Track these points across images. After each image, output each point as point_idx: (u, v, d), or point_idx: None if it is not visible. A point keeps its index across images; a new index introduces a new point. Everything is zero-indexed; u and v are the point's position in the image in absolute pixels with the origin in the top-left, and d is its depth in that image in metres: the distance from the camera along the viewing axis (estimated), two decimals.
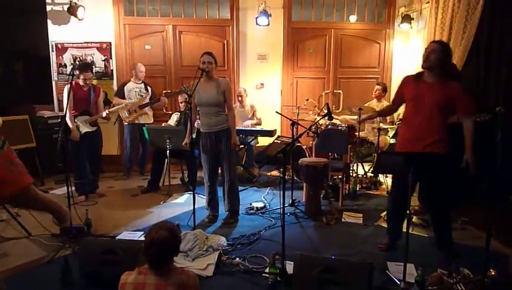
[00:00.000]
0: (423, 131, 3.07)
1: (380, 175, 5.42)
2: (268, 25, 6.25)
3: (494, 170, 3.14)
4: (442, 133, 3.07)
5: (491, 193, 3.38)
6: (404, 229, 2.78)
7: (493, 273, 2.67)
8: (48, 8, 5.97)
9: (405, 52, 6.74)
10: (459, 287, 2.64)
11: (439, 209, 3.27)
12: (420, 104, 3.08)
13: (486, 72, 4.54)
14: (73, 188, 4.46)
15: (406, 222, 2.71)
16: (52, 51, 6.08)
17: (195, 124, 4.64)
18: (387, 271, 2.94)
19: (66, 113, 4.15)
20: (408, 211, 2.72)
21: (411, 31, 6.54)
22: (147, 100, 5.58)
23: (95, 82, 5.96)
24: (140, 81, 5.70)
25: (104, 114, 4.76)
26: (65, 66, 6.10)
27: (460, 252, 3.22)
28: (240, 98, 5.88)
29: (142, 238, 3.31)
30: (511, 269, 3.00)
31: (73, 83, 3.88)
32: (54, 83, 6.12)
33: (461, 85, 3.09)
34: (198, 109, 4.04)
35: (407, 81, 3.25)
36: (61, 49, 6.08)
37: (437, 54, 3.01)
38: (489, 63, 4.52)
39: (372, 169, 5.42)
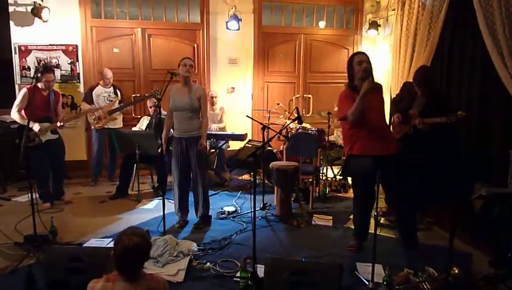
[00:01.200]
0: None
1: (349, 178, 5.51)
2: (238, 29, 6.28)
3: (457, 170, 3.28)
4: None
5: (454, 193, 3.51)
6: (372, 231, 2.85)
7: (457, 271, 2.78)
8: (11, 8, 5.75)
9: (372, 57, 6.84)
10: (425, 286, 2.73)
11: (406, 208, 3.39)
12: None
13: (448, 77, 4.73)
14: (37, 195, 4.31)
15: (373, 223, 2.78)
16: (15, 53, 5.86)
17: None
18: (356, 272, 3.00)
19: (13, 112, 4.24)
20: (376, 213, 2.80)
21: (378, 37, 6.72)
22: (116, 105, 5.47)
23: (61, 86, 5.82)
24: (110, 85, 5.58)
25: (58, 124, 4.54)
26: (29, 68, 5.90)
27: (425, 251, 3.33)
28: (214, 100, 5.87)
29: (111, 245, 3.24)
30: (474, 267, 3.13)
31: (32, 86, 3.73)
32: (17, 86, 5.90)
33: None
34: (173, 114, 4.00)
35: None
36: (25, 52, 5.87)
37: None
38: (451, 68, 4.71)
39: (340, 172, 5.51)
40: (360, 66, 3.22)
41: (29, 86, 3.74)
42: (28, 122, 3.69)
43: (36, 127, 4.33)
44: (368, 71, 3.21)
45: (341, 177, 5.50)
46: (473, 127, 4.35)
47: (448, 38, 4.74)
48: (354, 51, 6.94)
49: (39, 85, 4.36)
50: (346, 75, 3.37)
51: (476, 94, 4.34)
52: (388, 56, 6.14)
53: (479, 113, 4.29)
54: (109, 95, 5.53)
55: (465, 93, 4.48)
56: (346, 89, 3.37)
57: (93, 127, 5.51)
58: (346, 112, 3.22)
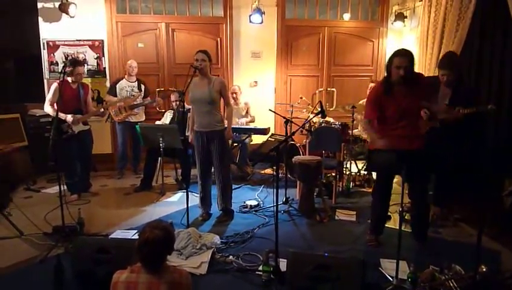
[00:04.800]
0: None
1: (373, 173, 5.43)
2: (261, 22, 6.24)
3: (486, 165, 3.18)
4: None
5: (482, 190, 3.42)
6: (397, 226, 2.80)
7: (484, 269, 2.70)
8: (39, 5, 5.90)
9: None
10: (451, 284, 2.66)
11: (424, 203, 3.34)
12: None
13: (478, 70, 4.58)
14: (65, 187, 4.43)
15: (398, 219, 2.73)
16: (44, 48, 6.02)
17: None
18: (380, 268, 2.96)
19: (46, 106, 4.45)
20: (401, 208, 2.74)
21: (404, 29, 6.56)
22: (139, 100, 5.54)
23: (88, 80, 5.94)
24: (134, 79, 5.66)
25: (101, 110, 4.82)
26: (57, 64, 6.04)
27: (451, 249, 3.27)
28: (234, 96, 5.86)
29: (136, 236, 3.30)
30: (502, 265, 3.04)
31: (62, 81, 3.85)
32: (45, 81, 6.06)
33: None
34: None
35: None
36: (53, 47, 6.02)
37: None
38: (481, 61, 4.55)
39: (365, 167, 5.44)
40: (397, 70, 3.03)
41: (61, 80, 3.84)
42: (57, 115, 3.80)
43: (69, 118, 4.47)
44: (404, 79, 3.02)
45: (365, 172, 5.43)
46: (504, 120, 4.21)
47: (478, 30, 4.58)
48: (380, 44, 6.84)
49: (68, 79, 4.49)
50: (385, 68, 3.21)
51: (507, 87, 4.19)
52: (415, 49, 5.97)
53: (510, 107, 4.14)
54: (132, 89, 5.60)
55: (496, 86, 4.33)
56: (380, 85, 3.22)
57: (115, 120, 5.60)
58: (369, 115, 3.23)
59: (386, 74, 3.19)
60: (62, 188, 3.45)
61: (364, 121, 3.45)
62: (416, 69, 5.64)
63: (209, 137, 3.89)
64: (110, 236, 3.53)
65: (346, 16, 6.86)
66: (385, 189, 3.38)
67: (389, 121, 3.18)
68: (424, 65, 5.44)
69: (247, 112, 5.98)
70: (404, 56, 3.04)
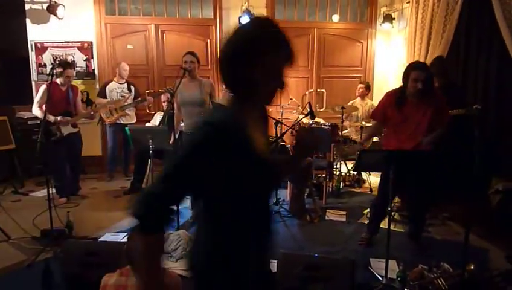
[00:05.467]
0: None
1: (363, 173, 5.47)
2: None
3: (473, 164, 3.21)
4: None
5: (470, 188, 3.46)
6: (384, 225, 2.83)
7: (472, 267, 2.73)
8: (27, 6, 5.84)
9: (387, 51, 6.83)
10: (440, 282, 2.70)
11: (421, 203, 3.36)
12: None
13: (465, 69, 4.64)
14: (53, 190, 4.39)
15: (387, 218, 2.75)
16: (32, 50, 5.96)
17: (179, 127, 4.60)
18: (370, 268, 2.99)
19: (34, 108, 4.45)
20: (389, 208, 2.77)
21: (392, 31, 6.62)
22: (129, 101, 5.51)
23: (77, 82, 5.89)
24: (124, 81, 5.62)
25: (91, 113, 4.84)
26: (45, 66, 5.98)
27: (440, 247, 3.31)
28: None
29: (125, 240, 3.28)
30: (490, 263, 3.08)
31: (50, 83, 3.83)
32: (33, 83, 6.00)
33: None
34: (181, 109, 4.00)
35: None
36: (41, 49, 5.96)
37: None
38: (467, 61, 4.62)
39: (354, 167, 5.47)
40: (414, 83, 3.04)
41: (49, 83, 3.82)
42: (45, 117, 3.77)
43: (58, 118, 4.46)
44: (422, 92, 3.04)
45: (355, 173, 5.46)
46: (490, 120, 4.27)
47: (464, 31, 4.65)
48: (368, 45, 6.88)
49: (57, 81, 4.46)
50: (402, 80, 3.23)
51: (493, 87, 4.26)
52: (403, 50, 6.04)
53: (496, 106, 4.21)
54: (122, 90, 5.57)
55: (482, 87, 4.40)
56: (395, 92, 3.25)
57: (106, 122, 5.57)
58: (375, 117, 3.37)
59: (402, 82, 3.20)
60: (51, 191, 3.42)
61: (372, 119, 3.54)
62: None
63: None
64: (99, 239, 3.51)
65: (335, 18, 6.90)
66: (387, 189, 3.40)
67: (393, 128, 3.25)
68: None
69: None
70: (422, 70, 3.07)
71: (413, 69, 3.08)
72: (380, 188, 3.56)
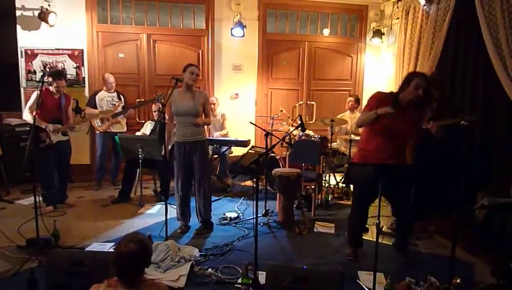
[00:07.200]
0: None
1: (352, 185, 5.50)
2: (243, 36, 6.31)
3: (459, 179, 3.26)
4: None
5: (456, 202, 3.51)
6: (374, 239, 2.85)
7: (458, 281, 2.77)
8: (18, 13, 5.82)
9: (376, 65, 6.95)
10: None
11: (408, 216, 3.40)
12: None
13: (452, 84, 4.73)
14: (40, 199, 4.33)
15: (375, 231, 2.77)
16: (21, 57, 5.92)
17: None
18: (358, 280, 2.99)
19: (25, 114, 4.42)
20: (378, 221, 2.79)
21: (382, 46, 6.75)
22: (120, 109, 5.50)
23: (66, 90, 5.85)
24: (113, 90, 5.62)
25: (75, 126, 4.81)
26: (34, 72, 5.94)
27: (427, 261, 3.34)
28: (212, 106, 5.87)
29: (113, 249, 3.24)
30: (476, 277, 3.12)
31: (43, 89, 3.80)
32: (22, 89, 5.94)
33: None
34: (174, 119, 4.01)
35: None
36: (31, 56, 5.92)
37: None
38: (455, 76, 4.72)
39: (343, 180, 5.50)
40: (415, 90, 3.07)
41: (40, 89, 3.79)
42: (34, 122, 3.74)
43: (50, 127, 4.43)
44: (420, 100, 3.09)
45: (344, 185, 5.49)
46: (476, 135, 4.35)
47: (452, 48, 4.75)
48: (358, 59, 6.99)
49: (50, 88, 4.44)
50: (400, 85, 3.26)
51: (479, 102, 4.34)
52: (392, 64, 6.15)
53: (482, 120, 4.28)
54: (112, 99, 5.56)
55: (469, 102, 4.48)
56: (389, 97, 3.25)
57: (96, 131, 5.54)
58: (371, 108, 3.22)
59: (398, 89, 3.23)
60: (37, 199, 3.37)
61: (363, 110, 3.48)
62: (394, 84, 5.82)
63: (192, 147, 3.91)
64: (86, 249, 3.46)
65: (326, 31, 7.00)
66: (363, 202, 3.43)
67: (375, 129, 3.25)
68: (400, 80, 5.59)
69: (223, 123, 5.99)
70: (425, 79, 3.12)
71: (417, 76, 3.15)
72: (354, 199, 3.62)
